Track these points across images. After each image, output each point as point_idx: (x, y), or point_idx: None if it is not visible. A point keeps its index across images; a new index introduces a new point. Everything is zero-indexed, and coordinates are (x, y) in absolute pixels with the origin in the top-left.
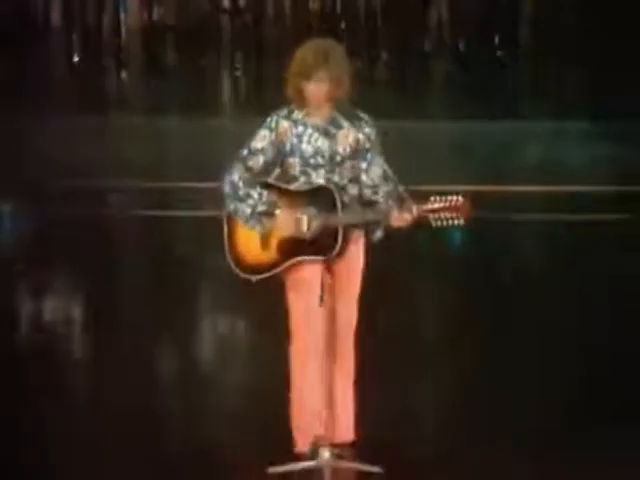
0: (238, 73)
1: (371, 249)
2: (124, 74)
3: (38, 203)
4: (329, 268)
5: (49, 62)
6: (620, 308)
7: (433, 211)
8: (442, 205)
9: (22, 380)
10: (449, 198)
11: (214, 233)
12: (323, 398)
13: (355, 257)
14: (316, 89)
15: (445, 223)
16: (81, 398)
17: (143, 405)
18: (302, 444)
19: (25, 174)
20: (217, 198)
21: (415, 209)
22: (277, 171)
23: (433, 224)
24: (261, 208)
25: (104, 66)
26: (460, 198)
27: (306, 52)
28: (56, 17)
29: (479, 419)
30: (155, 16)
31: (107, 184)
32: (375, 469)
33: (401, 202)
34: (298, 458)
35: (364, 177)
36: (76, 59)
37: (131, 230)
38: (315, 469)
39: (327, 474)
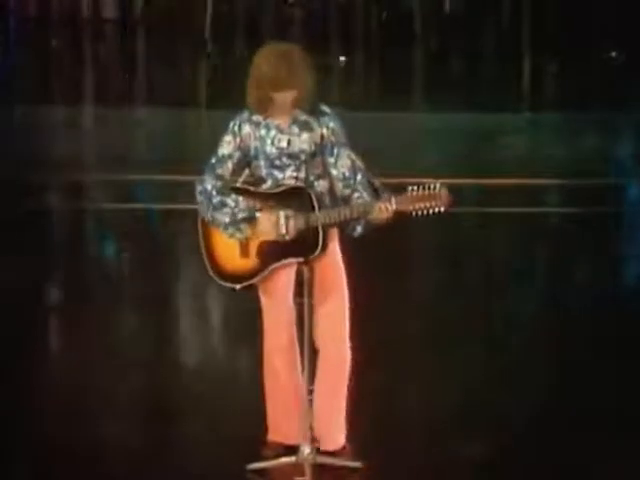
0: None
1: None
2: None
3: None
4: (308, 267)
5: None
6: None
7: (413, 201)
8: (422, 194)
9: None
10: (427, 187)
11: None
12: (296, 400)
13: (332, 254)
14: (284, 98)
15: (425, 212)
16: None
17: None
18: (274, 434)
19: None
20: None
21: (394, 201)
22: (246, 172)
23: (413, 214)
24: (241, 215)
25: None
26: (438, 185)
27: (269, 62)
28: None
29: None
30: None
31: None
32: (356, 464)
33: (377, 195)
34: (269, 446)
35: (334, 171)
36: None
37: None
38: (296, 465)
39: (308, 470)
